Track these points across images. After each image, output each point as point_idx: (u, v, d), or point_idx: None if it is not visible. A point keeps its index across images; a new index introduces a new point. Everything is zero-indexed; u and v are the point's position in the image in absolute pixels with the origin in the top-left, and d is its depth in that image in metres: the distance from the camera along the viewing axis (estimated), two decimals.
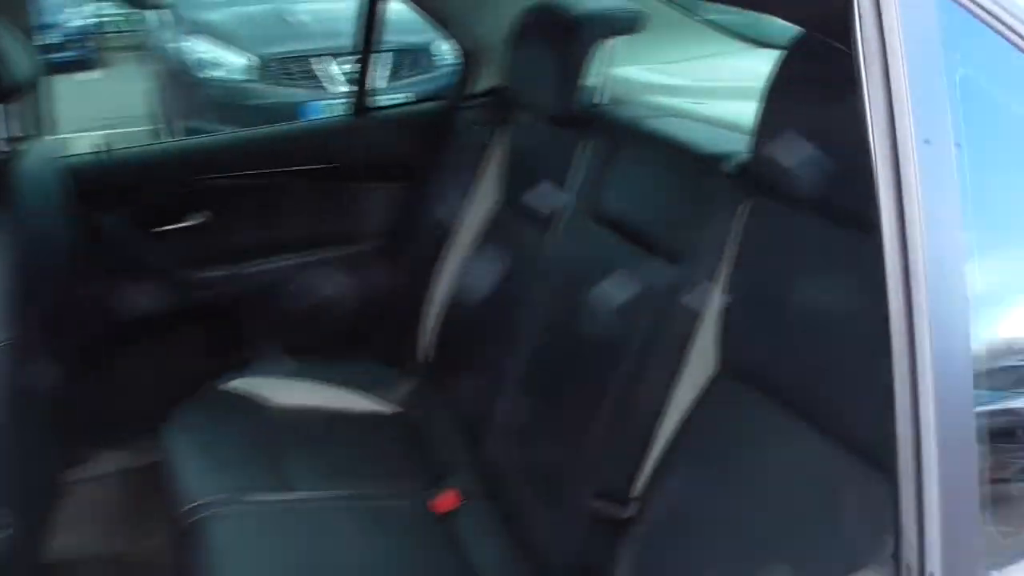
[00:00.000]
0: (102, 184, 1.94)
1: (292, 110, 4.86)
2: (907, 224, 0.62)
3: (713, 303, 1.24)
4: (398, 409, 1.99)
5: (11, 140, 1.48)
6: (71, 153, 2.01)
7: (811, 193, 1.03)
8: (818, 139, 1.02)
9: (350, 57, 4.95)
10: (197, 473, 1.62)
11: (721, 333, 1.23)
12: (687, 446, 1.23)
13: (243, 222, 2.10)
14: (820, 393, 1.06)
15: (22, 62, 1.42)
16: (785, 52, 1.11)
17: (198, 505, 1.52)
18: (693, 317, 1.25)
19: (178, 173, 2.05)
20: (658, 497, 1.24)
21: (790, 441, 1.08)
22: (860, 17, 0.61)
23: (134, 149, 2.12)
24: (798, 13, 0.82)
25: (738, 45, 2.06)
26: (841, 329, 1.02)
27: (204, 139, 2.17)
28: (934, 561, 0.60)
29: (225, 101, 5.06)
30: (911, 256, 0.63)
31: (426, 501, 1.64)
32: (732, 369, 1.21)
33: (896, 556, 0.62)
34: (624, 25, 1.75)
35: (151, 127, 5.71)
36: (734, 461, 1.16)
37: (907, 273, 0.62)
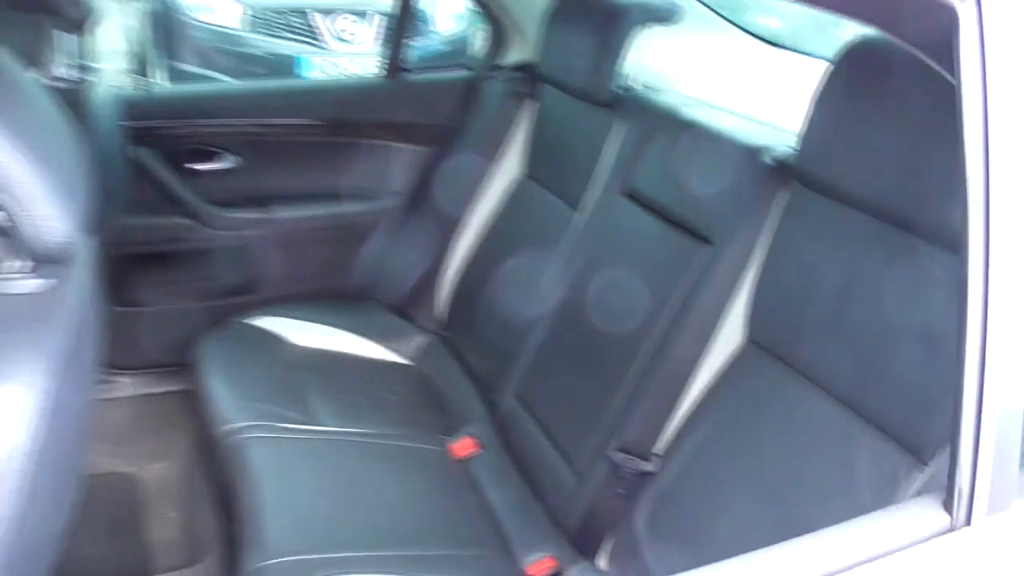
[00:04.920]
0: (144, 119, 1.99)
1: (284, 62, 4.90)
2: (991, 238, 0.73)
3: (745, 282, 1.37)
4: (410, 361, 2.10)
5: (82, 68, 1.54)
6: (120, 86, 2.05)
7: (856, 190, 1.16)
8: (866, 142, 1.15)
9: (349, 15, 5.08)
10: (230, 400, 1.70)
11: (750, 310, 1.37)
12: (710, 410, 1.36)
13: (273, 169, 2.17)
14: (841, 370, 1.20)
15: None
16: (836, 62, 1.23)
17: (235, 428, 1.61)
18: (724, 294, 1.38)
19: (214, 116, 2.11)
20: (679, 454, 1.38)
21: (808, 409, 1.22)
22: (963, 41, 0.72)
23: (176, 89, 2.17)
24: (899, 28, 0.93)
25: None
26: (868, 314, 1.16)
27: (241, 85, 2.23)
28: (983, 485, 0.73)
29: (214, 46, 5.04)
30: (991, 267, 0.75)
31: (444, 445, 1.76)
32: (758, 343, 1.35)
33: (950, 482, 0.75)
34: (662, 15, 1.86)
35: (134, 65, 5.64)
36: (753, 424, 1.30)
37: (987, 282, 0.74)
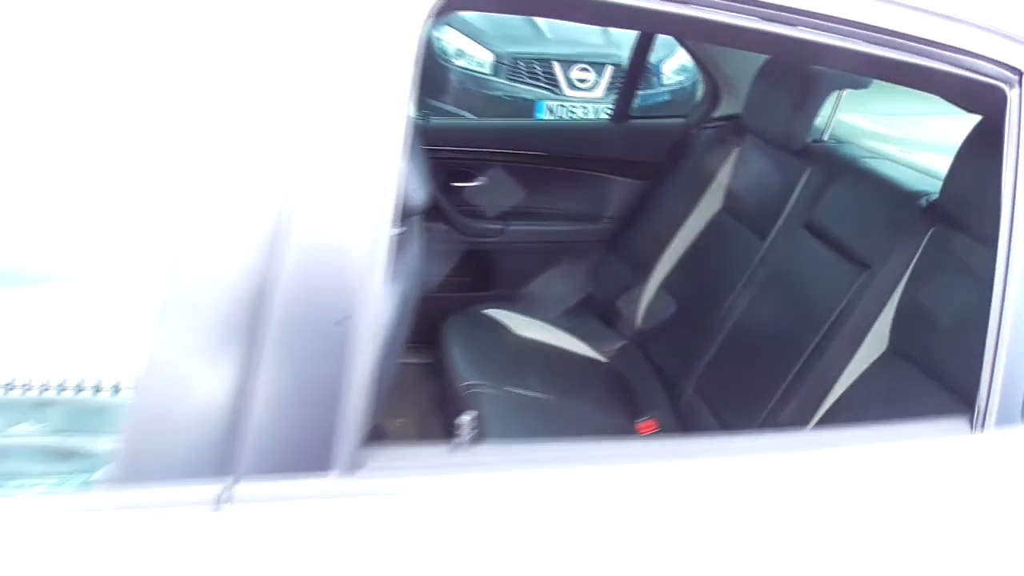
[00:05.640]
0: (423, 144, 2.54)
1: (525, 105, 5.50)
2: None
3: (893, 300, 1.66)
4: (608, 360, 2.49)
5: None
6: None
7: (984, 230, 1.44)
8: (995, 191, 1.43)
9: (585, 65, 5.60)
10: (467, 364, 2.18)
11: (893, 323, 1.65)
12: (850, 402, 1.66)
13: (513, 190, 2.67)
14: (959, 374, 1.46)
15: None
16: (980, 119, 1.51)
17: (471, 384, 2.08)
18: (875, 308, 1.68)
19: (470, 145, 2.64)
20: None
21: (931, 406, 1.49)
22: (1009, 114, 1.04)
23: (442, 121, 2.73)
24: (960, 100, 1.24)
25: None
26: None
27: (493, 122, 2.75)
28: (994, 403, 1.04)
29: (464, 87, 5.72)
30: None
31: (631, 423, 2.14)
32: (897, 351, 1.63)
33: (974, 404, 1.08)
34: (857, 81, 2.17)
35: None
36: (884, 417, 1.57)
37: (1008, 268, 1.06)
